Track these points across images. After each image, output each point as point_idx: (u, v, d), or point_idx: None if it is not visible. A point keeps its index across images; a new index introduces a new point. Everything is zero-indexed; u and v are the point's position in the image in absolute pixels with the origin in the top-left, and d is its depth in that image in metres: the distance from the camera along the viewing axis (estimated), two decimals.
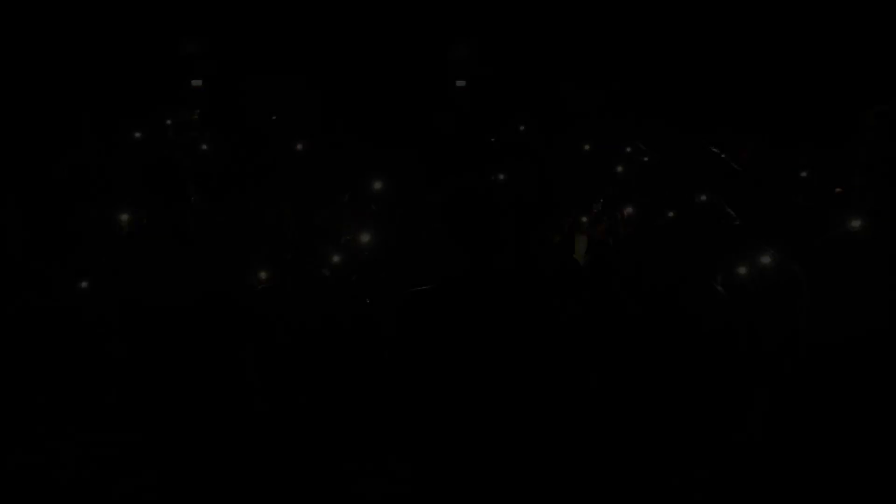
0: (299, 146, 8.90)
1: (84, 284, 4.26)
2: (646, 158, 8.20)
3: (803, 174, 8.05)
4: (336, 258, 5.25)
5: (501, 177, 7.97)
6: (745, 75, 10.37)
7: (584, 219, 7.42)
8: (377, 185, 6.34)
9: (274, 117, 10.40)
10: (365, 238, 5.48)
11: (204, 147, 8.85)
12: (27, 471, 4.03)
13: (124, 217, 5.76)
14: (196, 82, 11.78)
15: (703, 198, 5.79)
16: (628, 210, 7.07)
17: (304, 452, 4.20)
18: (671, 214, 6.86)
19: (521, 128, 10.37)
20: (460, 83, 12.26)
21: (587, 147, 9.44)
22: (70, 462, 4.18)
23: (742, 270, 5.28)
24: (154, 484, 2.88)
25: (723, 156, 8.36)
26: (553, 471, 2.21)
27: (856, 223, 3.35)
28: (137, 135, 8.05)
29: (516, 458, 2.07)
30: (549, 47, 10.29)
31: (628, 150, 8.59)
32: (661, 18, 10.13)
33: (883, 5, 8.85)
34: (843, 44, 9.50)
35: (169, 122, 11.00)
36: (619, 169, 8.35)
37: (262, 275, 4.64)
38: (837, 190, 7.68)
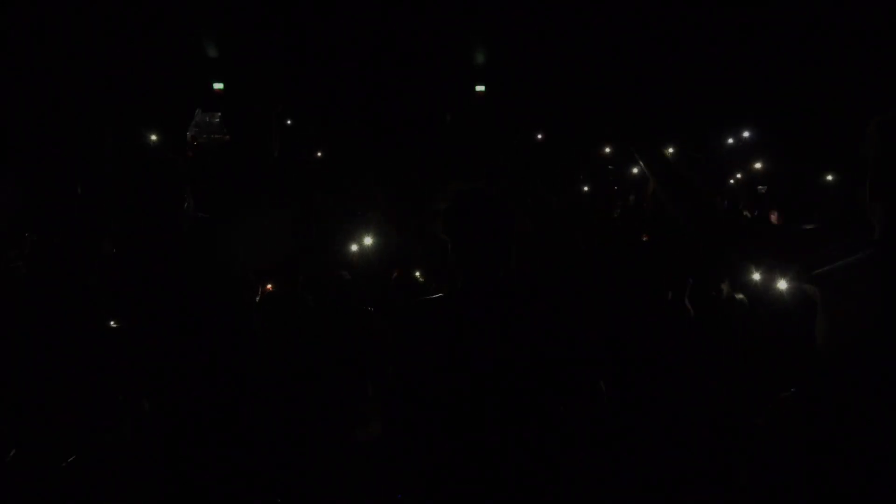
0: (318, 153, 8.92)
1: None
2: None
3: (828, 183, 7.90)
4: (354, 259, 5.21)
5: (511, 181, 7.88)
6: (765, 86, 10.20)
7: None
8: (384, 192, 6.33)
9: (288, 121, 10.46)
10: (372, 244, 5.46)
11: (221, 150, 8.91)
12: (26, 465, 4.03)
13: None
14: (218, 85, 11.89)
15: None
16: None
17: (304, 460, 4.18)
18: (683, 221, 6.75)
19: (539, 136, 10.32)
20: (480, 88, 12.20)
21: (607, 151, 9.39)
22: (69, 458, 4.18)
23: (756, 279, 5.19)
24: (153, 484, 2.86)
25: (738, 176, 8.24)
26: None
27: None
28: (154, 138, 8.12)
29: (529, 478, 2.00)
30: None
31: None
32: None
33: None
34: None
35: (190, 123, 11.11)
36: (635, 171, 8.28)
37: (268, 285, 4.63)
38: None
